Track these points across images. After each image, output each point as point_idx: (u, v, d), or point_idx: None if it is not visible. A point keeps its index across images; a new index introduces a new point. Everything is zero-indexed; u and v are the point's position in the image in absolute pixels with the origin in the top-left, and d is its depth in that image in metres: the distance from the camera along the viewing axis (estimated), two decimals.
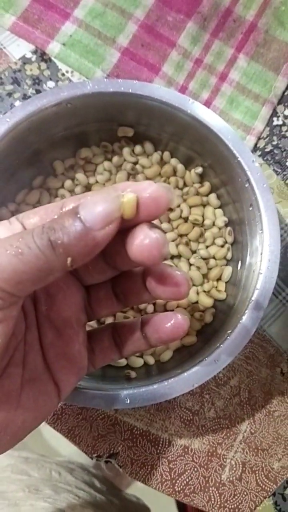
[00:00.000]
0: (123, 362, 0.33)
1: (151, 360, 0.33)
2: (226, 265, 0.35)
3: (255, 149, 0.39)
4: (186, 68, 0.40)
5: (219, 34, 0.40)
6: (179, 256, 0.35)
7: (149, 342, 0.23)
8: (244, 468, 0.35)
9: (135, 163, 0.36)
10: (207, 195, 0.36)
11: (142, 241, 0.18)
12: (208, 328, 0.34)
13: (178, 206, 0.36)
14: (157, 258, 0.18)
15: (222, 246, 0.35)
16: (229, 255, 0.35)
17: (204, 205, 0.36)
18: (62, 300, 0.22)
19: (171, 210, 0.35)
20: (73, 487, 0.38)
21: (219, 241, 0.35)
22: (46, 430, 0.84)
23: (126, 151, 0.36)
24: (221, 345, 0.28)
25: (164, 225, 0.35)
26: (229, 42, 0.40)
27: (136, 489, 0.75)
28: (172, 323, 0.22)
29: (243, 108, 0.40)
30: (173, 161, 0.36)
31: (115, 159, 0.35)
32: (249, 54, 0.40)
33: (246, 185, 0.31)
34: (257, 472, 0.35)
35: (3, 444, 0.19)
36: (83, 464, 0.46)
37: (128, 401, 0.27)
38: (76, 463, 0.46)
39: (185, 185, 0.36)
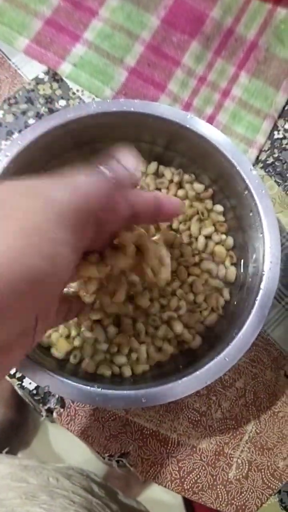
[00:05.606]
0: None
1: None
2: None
3: (257, 161, 0.41)
4: (190, 86, 0.42)
5: (221, 53, 0.42)
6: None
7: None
8: (250, 467, 0.36)
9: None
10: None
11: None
12: (213, 332, 0.36)
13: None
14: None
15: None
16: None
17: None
18: None
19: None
20: (70, 492, 0.39)
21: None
22: (54, 437, 0.85)
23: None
24: (230, 344, 0.30)
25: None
26: (231, 60, 0.42)
27: (147, 499, 0.76)
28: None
29: (245, 122, 0.42)
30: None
31: None
32: (250, 71, 0.42)
33: (246, 192, 0.33)
34: (263, 470, 0.36)
35: None
36: (83, 470, 0.47)
37: (145, 400, 0.29)
38: (75, 468, 0.46)
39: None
